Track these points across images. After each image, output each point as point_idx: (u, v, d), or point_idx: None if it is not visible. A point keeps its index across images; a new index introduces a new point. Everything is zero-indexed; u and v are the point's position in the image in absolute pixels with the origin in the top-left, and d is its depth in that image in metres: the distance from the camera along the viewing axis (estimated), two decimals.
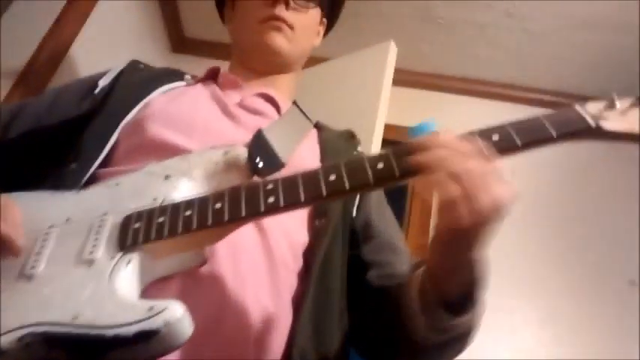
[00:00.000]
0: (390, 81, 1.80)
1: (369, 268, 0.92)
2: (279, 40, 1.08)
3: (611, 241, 2.33)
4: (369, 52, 1.92)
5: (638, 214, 2.37)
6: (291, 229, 0.87)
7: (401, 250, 0.98)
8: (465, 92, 2.75)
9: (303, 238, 0.89)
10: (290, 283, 0.84)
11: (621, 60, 2.46)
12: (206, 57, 2.74)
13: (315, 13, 1.17)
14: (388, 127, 1.87)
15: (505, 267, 2.26)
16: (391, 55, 1.83)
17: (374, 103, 1.79)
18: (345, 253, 0.92)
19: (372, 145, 1.75)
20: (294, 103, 1.12)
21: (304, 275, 0.85)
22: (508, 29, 2.47)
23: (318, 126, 1.14)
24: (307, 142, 1.03)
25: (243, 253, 0.78)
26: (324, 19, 1.25)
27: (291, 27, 1.09)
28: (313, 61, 2.05)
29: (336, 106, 1.91)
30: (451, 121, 2.59)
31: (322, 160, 1.00)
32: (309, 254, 0.88)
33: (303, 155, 0.97)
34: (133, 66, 1.09)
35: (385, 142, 1.87)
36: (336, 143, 1.09)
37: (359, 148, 1.13)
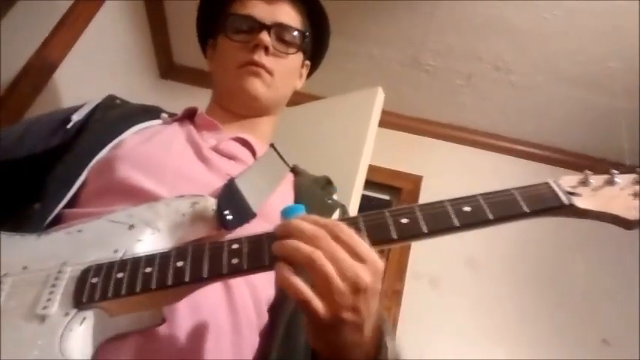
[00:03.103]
0: (376, 127, 1.81)
1: None
2: (257, 86, 1.07)
3: (585, 300, 2.33)
4: (357, 95, 1.93)
5: (612, 272, 2.38)
6: (258, 285, 0.83)
7: None
8: (449, 138, 2.76)
9: (269, 292, 0.86)
10: (252, 342, 0.81)
11: (603, 119, 2.48)
12: (194, 84, 2.76)
13: (295, 58, 1.15)
14: (371, 168, 1.87)
15: (480, 321, 2.24)
16: (378, 101, 1.84)
17: (359, 145, 1.79)
18: None
19: (355, 186, 1.75)
20: (272, 146, 1.11)
21: (268, 333, 0.82)
22: (494, 81, 2.50)
23: (294, 170, 1.12)
24: (282, 187, 1.02)
25: (205, 312, 0.75)
26: (307, 62, 1.24)
27: (270, 73, 1.08)
28: (301, 97, 2.06)
29: (322, 145, 1.92)
30: (434, 165, 2.62)
31: None
32: (275, 311, 0.85)
33: (276, 203, 0.94)
34: (109, 101, 1.07)
35: (368, 183, 1.87)
36: (312, 190, 1.07)
37: (334, 196, 1.12)
